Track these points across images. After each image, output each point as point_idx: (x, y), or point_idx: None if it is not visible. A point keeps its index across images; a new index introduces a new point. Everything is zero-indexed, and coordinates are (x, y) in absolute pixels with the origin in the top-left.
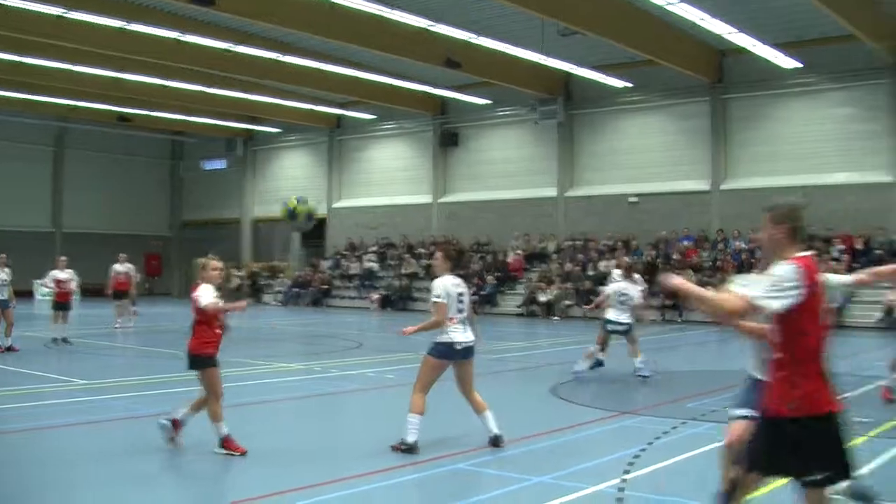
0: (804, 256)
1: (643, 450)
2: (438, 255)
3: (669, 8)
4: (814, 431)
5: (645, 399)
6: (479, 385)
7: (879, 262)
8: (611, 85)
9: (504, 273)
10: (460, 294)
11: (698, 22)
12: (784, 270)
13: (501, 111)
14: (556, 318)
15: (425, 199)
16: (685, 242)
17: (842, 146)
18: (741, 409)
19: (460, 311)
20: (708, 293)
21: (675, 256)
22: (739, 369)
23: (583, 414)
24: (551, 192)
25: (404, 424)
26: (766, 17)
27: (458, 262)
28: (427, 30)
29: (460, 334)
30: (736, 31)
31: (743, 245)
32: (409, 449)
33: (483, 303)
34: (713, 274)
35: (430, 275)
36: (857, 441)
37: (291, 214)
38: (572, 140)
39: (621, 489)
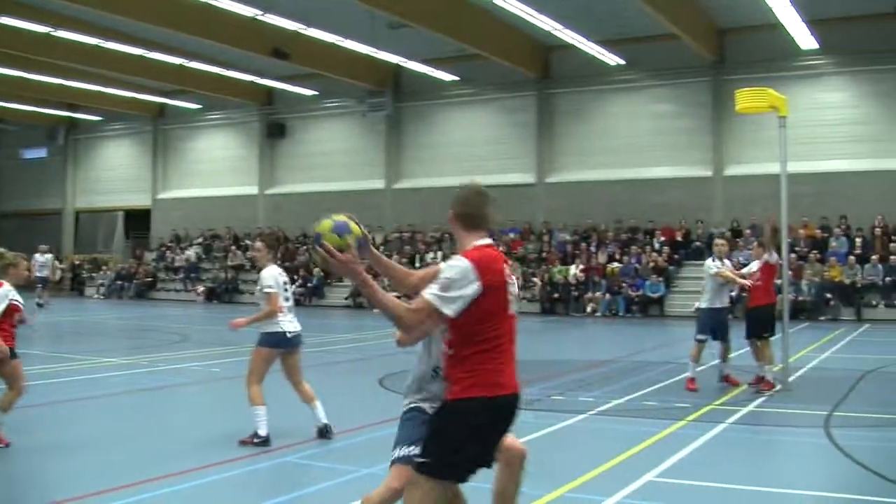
0: (479, 247)
1: None
2: (259, 245)
3: (498, 3)
4: (497, 417)
5: None
6: (307, 377)
7: (699, 253)
8: (439, 78)
9: None
10: (286, 283)
11: (526, 17)
12: (453, 270)
13: (330, 103)
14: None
15: (251, 190)
16: (511, 234)
17: (664, 141)
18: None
19: (287, 300)
20: (386, 298)
21: (501, 248)
22: (563, 359)
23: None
24: (379, 184)
25: (251, 419)
26: (592, 15)
27: (277, 251)
28: (255, 19)
29: (290, 323)
30: (562, 27)
31: (567, 237)
32: (263, 441)
33: (310, 295)
34: (539, 265)
35: (256, 267)
36: (677, 425)
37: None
38: (400, 132)
39: None
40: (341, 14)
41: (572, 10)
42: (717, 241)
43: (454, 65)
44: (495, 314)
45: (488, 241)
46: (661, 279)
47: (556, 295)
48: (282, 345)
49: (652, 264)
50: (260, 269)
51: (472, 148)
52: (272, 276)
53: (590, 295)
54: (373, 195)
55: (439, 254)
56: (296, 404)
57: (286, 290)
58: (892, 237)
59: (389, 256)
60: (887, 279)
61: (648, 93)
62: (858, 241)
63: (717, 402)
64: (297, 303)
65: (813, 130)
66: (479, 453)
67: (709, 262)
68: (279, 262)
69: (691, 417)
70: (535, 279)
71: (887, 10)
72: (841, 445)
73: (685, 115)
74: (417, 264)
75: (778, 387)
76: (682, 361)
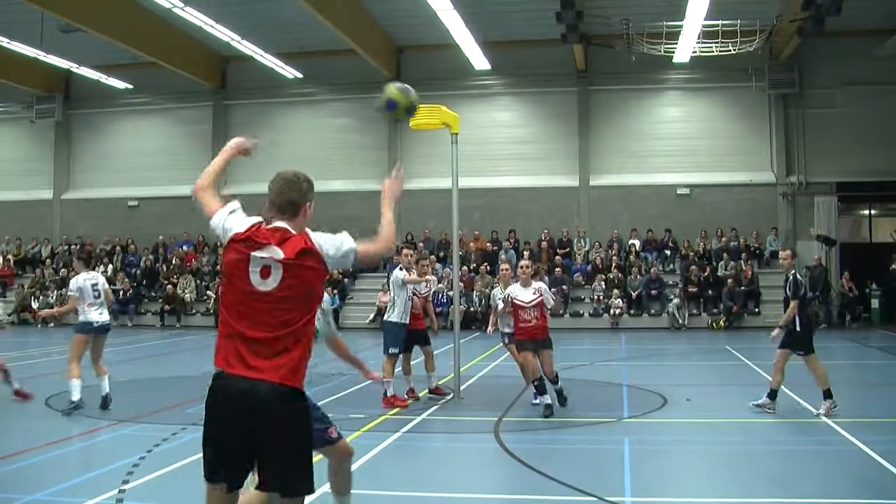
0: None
1: (142, 458)
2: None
3: (176, 11)
4: None
5: (144, 406)
6: None
7: (373, 266)
8: (112, 85)
9: None
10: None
11: (204, 27)
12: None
13: None
14: (52, 324)
15: None
16: (184, 247)
17: (343, 155)
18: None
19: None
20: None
21: (174, 261)
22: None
23: (78, 425)
24: (47, 193)
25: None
26: (271, 28)
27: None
28: None
29: (96, 315)
30: (240, 38)
31: None
32: (76, 406)
33: None
34: (212, 278)
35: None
36: (351, 437)
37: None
38: (71, 140)
39: (120, 500)
40: (8, 14)
41: (251, 22)
42: (405, 251)
43: (128, 72)
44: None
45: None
46: (335, 291)
47: None
48: (89, 331)
49: (327, 277)
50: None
51: (147, 158)
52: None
53: None
54: (41, 205)
55: (109, 267)
56: None
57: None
58: (557, 250)
59: (56, 270)
60: (552, 289)
61: (327, 106)
62: (526, 253)
63: (392, 413)
64: None
65: (485, 147)
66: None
67: (397, 272)
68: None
69: (366, 428)
70: (209, 292)
71: (553, 37)
72: (510, 449)
73: (363, 129)
74: None
75: (450, 395)
76: (355, 373)
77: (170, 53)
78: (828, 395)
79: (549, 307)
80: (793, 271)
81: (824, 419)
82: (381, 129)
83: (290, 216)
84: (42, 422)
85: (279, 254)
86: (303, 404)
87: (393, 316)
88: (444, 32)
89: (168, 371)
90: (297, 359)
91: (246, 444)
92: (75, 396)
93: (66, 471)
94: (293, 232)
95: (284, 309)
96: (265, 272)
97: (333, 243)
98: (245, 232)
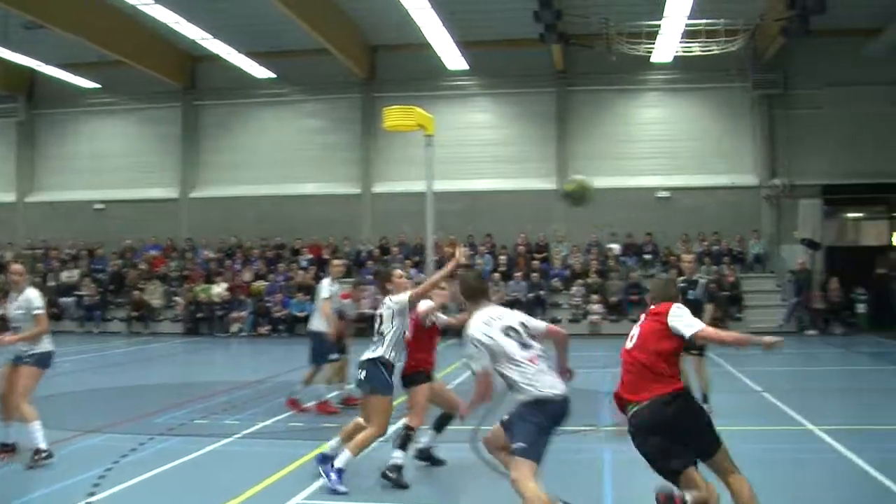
0: None
1: (109, 469)
2: (19, 267)
3: (143, 9)
4: None
5: (110, 416)
6: None
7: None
8: (78, 85)
9: None
10: None
11: (173, 25)
12: None
13: None
14: None
15: None
16: (152, 251)
17: (314, 157)
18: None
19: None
20: None
21: (142, 265)
22: (207, 381)
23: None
24: (10, 197)
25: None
26: (241, 27)
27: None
28: None
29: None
30: (210, 37)
31: (211, 254)
32: (48, 455)
33: None
34: (181, 283)
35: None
36: (326, 446)
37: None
38: (35, 141)
39: None
40: None
41: (221, 20)
42: (334, 262)
43: (95, 71)
44: None
45: None
46: (307, 297)
47: (199, 315)
48: (50, 364)
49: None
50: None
51: (114, 159)
52: (38, 296)
53: (235, 314)
54: (3, 209)
55: (76, 272)
56: None
57: None
58: (535, 255)
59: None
60: (530, 295)
61: (299, 107)
62: (503, 258)
63: None
64: None
65: (460, 150)
66: None
67: (325, 282)
68: None
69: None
70: (177, 298)
71: (532, 36)
72: (487, 459)
73: (335, 130)
74: (52, 283)
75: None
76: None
77: (137, 52)
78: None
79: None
80: (697, 275)
81: (811, 427)
82: (354, 131)
83: None
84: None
85: None
86: None
87: (322, 326)
88: (420, 32)
89: (135, 380)
90: None
91: None
92: (44, 444)
93: (30, 483)
94: None
95: None
96: None
97: None
98: None
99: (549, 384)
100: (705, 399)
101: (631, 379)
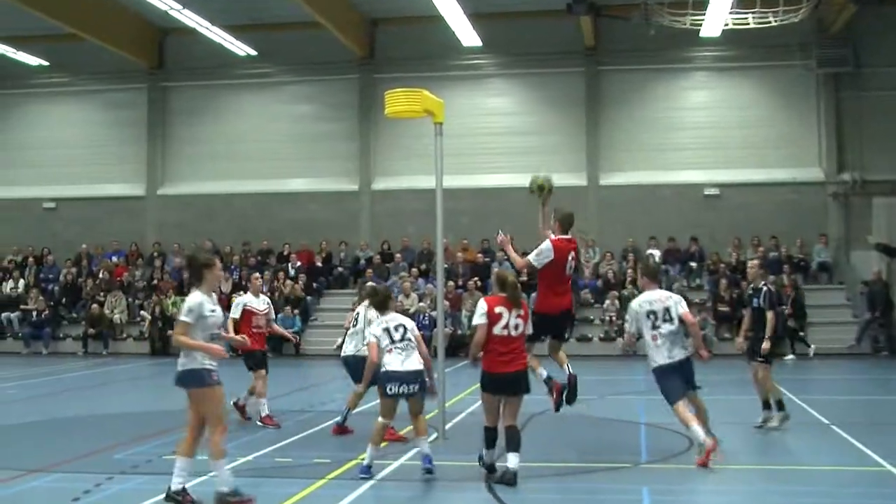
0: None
1: None
2: None
3: None
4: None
5: (60, 452)
6: None
7: (343, 281)
8: (23, 62)
9: None
10: None
11: None
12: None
13: None
14: None
15: None
16: (113, 258)
17: (304, 148)
18: None
19: None
20: None
21: (101, 274)
22: (177, 409)
23: None
24: None
25: None
26: None
27: None
28: None
29: None
30: (181, 7)
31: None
32: None
33: None
34: (147, 295)
35: None
36: (317, 485)
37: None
38: None
39: None
40: None
41: None
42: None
43: (43, 46)
44: None
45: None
46: (296, 312)
47: (169, 332)
48: None
49: (286, 294)
50: None
51: (67, 150)
52: None
53: None
54: None
55: (21, 282)
56: None
57: None
58: None
59: None
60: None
61: (286, 90)
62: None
63: (362, 456)
64: None
65: (472, 140)
66: None
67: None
68: None
69: (333, 475)
70: (143, 312)
71: (557, 7)
72: (504, 500)
73: (328, 118)
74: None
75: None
76: (322, 409)
77: (95, 24)
78: (766, 405)
79: None
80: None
81: (889, 467)
82: (350, 118)
83: None
84: None
85: None
86: None
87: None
88: (427, 3)
89: (92, 409)
90: None
91: None
92: None
93: None
94: None
95: None
96: None
97: None
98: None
99: None
100: (780, 406)
101: None
